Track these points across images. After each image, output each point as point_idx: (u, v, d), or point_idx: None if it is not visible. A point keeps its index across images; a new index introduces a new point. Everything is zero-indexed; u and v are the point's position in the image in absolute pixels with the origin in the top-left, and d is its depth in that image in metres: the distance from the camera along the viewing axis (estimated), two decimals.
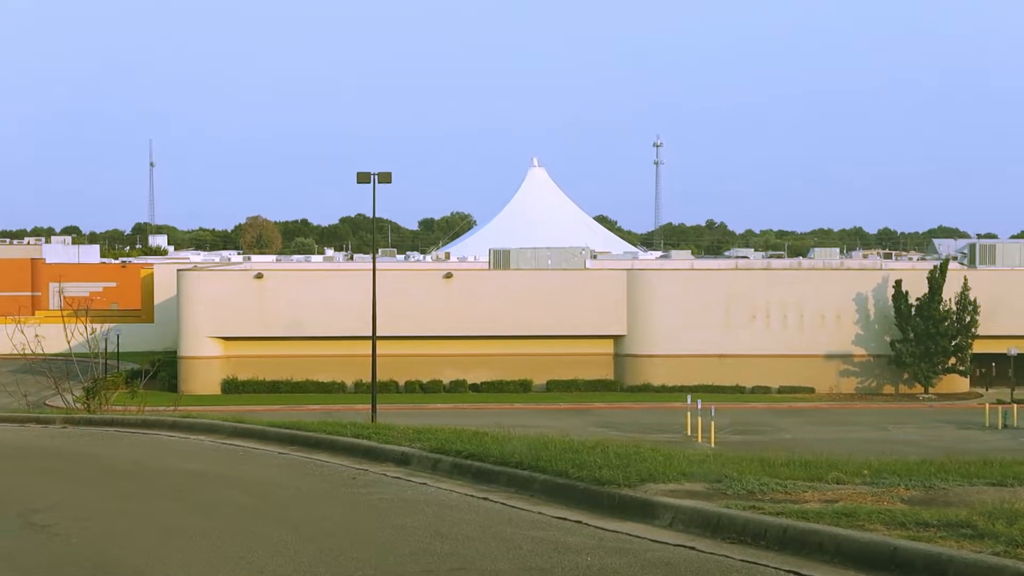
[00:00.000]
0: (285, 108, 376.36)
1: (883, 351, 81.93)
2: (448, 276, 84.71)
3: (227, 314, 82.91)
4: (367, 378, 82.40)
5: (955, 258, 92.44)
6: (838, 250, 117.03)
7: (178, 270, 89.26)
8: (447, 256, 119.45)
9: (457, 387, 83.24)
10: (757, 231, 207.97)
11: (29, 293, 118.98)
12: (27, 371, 48.79)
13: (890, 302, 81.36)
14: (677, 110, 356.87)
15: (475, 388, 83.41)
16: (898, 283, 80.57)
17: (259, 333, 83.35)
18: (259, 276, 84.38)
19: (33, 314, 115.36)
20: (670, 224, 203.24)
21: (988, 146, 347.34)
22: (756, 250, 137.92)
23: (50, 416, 27.33)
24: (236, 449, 20.59)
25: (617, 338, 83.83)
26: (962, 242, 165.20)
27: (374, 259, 63.93)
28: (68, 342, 35.72)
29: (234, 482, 16.56)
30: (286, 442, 20.67)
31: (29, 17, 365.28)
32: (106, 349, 37.85)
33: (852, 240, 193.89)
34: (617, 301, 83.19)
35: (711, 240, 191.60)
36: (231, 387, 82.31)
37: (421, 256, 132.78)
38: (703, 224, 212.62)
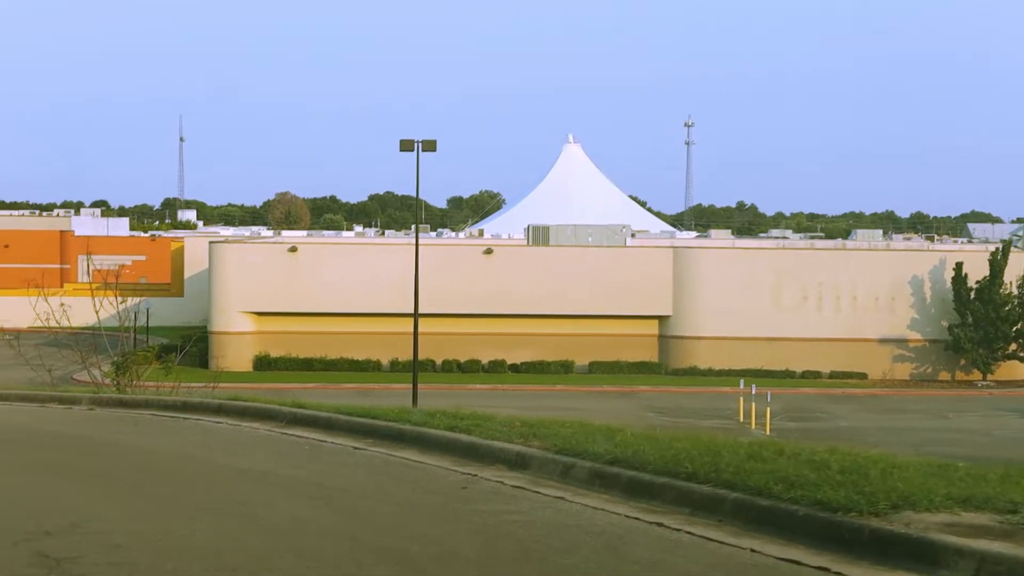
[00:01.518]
0: (315, 84, 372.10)
1: (939, 336, 77.49)
2: (488, 252, 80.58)
3: (260, 288, 78.98)
4: (403, 356, 78.56)
5: (1010, 242, 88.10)
6: (880, 232, 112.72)
7: (210, 242, 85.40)
8: (480, 233, 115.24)
9: (496, 367, 79.21)
10: (788, 213, 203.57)
11: (58, 265, 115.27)
12: (52, 344, 45.39)
13: (948, 285, 76.89)
14: (707, 89, 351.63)
15: (514, 368, 79.35)
16: (959, 265, 76.09)
17: (292, 308, 79.43)
18: (293, 249, 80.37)
19: (62, 286, 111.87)
20: (700, 205, 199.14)
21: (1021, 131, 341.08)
22: (793, 232, 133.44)
23: (75, 395, 23.30)
24: (299, 441, 16.55)
25: (662, 319, 79.62)
26: (999, 227, 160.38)
27: (416, 231, 60.01)
28: (96, 313, 31.83)
29: (310, 490, 12.52)
30: (360, 433, 16.61)
31: None
32: (135, 322, 34.18)
33: (884, 223, 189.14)
34: (663, 280, 78.93)
35: (741, 222, 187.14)
36: (263, 364, 78.40)
37: (452, 233, 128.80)
38: (733, 206, 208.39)
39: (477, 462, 14.16)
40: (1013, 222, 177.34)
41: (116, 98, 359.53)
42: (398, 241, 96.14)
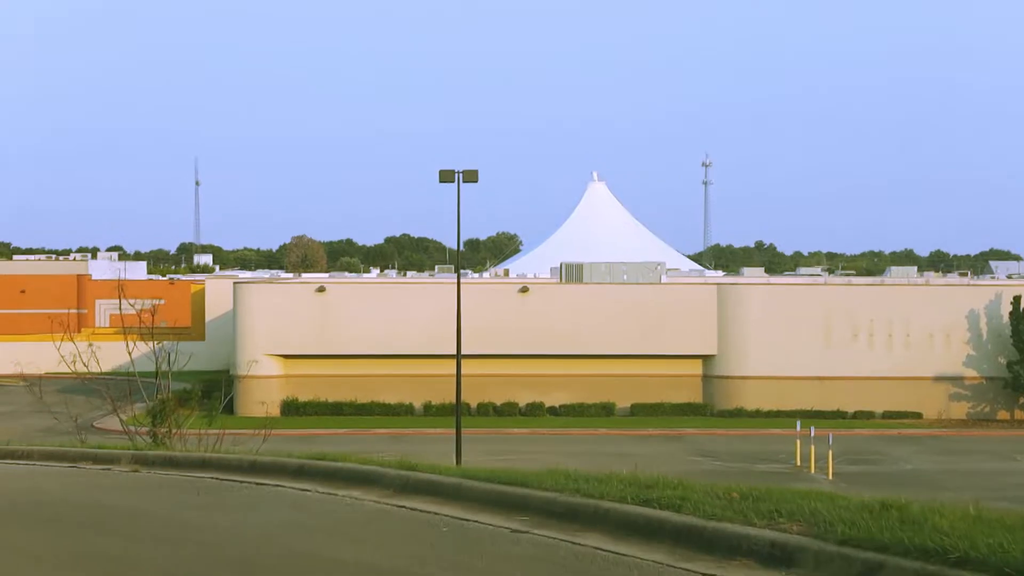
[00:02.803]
0: (332, 126, 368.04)
1: (997, 373, 72.84)
2: (524, 291, 76.13)
3: (287, 330, 74.63)
4: (437, 399, 74.31)
5: None
6: (916, 268, 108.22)
7: (235, 283, 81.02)
8: (506, 273, 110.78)
9: (534, 410, 74.68)
10: (806, 253, 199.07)
11: (75, 310, 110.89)
12: (71, 390, 41.52)
13: (1005, 320, 72.34)
14: (724, 129, 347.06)
15: (553, 411, 74.84)
16: (1016, 299, 71.54)
17: (321, 351, 74.99)
18: (321, 290, 75.98)
19: (79, 331, 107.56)
20: (717, 245, 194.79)
21: None
22: (823, 270, 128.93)
23: (112, 452, 18.80)
24: (429, 519, 12.10)
25: (706, 358, 75.05)
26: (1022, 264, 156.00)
27: (458, 267, 55.58)
28: (130, 355, 27.84)
29: None
30: (505, 507, 12.18)
31: (71, 30, 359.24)
32: (170, 365, 30.40)
33: (904, 262, 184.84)
34: (707, 318, 74.42)
35: (760, 261, 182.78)
36: (291, 408, 73.84)
37: (475, 275, 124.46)
38: (751, 245, 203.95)
39: (707, 554, 9.74)
40: None
41: (131, 142, 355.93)
42: (429, 280, 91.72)
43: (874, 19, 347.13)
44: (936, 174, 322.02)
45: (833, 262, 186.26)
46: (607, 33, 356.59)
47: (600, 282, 78.91)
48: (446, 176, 54.56)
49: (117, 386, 31.72)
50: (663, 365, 74.49)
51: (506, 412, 74.53)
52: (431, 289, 78.02)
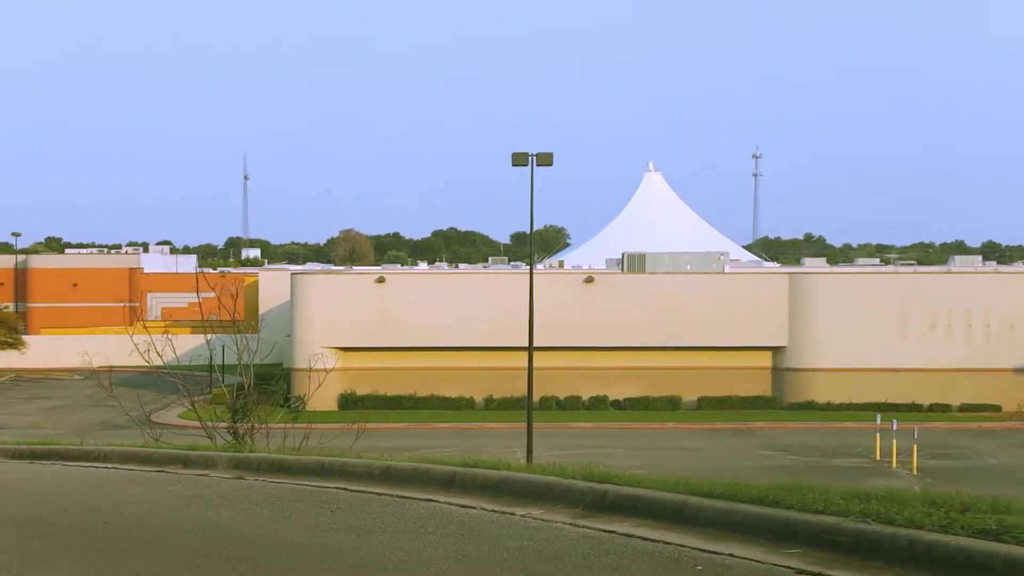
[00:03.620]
0: (378, 123, 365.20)
1: None
2: (590, 280, 73.03)
3: (345, 322, 71.78)
4: (498, 393, 71.48)
5: None
6: (980, 258, 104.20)
7: (292, 274, 78.31)
8: (560, 265, 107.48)
9: (597, 403, 71.57)
10: (855, 245, 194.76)
11: (127, 304, 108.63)
12: (128, 383, 39.37)
13: None
14: (772, 119, 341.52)
15: (617, 405, 71.67)
16: None
17: (379, 343, 72.11)
18: (381, 280, 73.09)
19: (132, 324, 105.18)
20: (766, 237, 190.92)
21: None
22: (881, 261, 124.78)
23: (206, 455, 15.74)
24: (664, 551, 8.98)
25: (776, 350, 71.67)
26: None
27: (531, 255, 52.54)
28: (207, 342, 25.52)
29: None
30: (757, 532, 9.07)
31: (120, 21, 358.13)
32: (252, 357, 28.02)
33: (956, 252, 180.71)
34: (777, 309, 71.03)
35: (809, 254, 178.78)
36: (349, 402, 70.88)
37: (526, 267, 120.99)
38: (799, 238, 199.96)
39: None
40: None
41: (179, 137, 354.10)
42: (490, 271, 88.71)
43: (915, 4, 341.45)
44: (985, 165, 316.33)
45: (884, 254, 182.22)
46: (647, 24, 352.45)
47: (666, 271, 75.56)
48: (519, 159, 51.49)
49: (183, 380, 29.73)
50: (731, 357, 71.26)
51: (569, 406, 71.55)
52: (492, 279, 75.17)
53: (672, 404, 71.08)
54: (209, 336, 32.97)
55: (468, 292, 72.82)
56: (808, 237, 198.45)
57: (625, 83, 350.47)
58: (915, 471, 52.38)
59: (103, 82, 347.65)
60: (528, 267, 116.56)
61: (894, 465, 54.32)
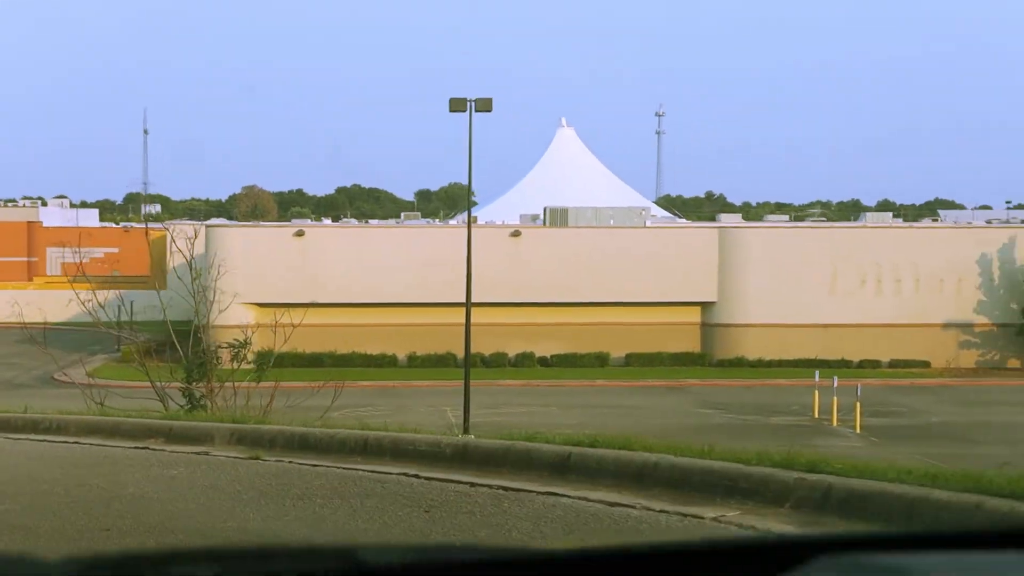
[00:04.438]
0: (279, 72, 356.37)
1: (1009, 319, 67.90)
2: (516, 234, 70.12)
3: (262, 277, 67.90)
4: (420, 350, 68.43)
5: None
6: (891, 215, 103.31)
7: (206, 226, 74.13)
8: (474, 220, 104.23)
9: (524, 360, 68.82)
10: (754, 203, 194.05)
11: (25, 259, 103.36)
12: (24, 341, 35.96)
13: (1017, 264, 67.44)
14: (675, 78, 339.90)
15: (544, 362, 69.01)
16: None
17: (298, 299, 67.78)
18: (300, 234, 69.51)
19: (30, 280, 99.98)
20: (668, 195, 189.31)
21: (977, 117, 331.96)
22: (791, 219, 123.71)
23: (199, 427, 12.37)
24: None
25: (705, 305, 69.48)
26: (964, 213, 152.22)
27: (468, 207, 49.55)
28: (102, 304, 23.39)
29: None
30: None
31: None
32: (205, 318, 25.43)
33: (851, 210, 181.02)
34: (706, 264, 68.75)
35: (711, 212, 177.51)
36: (266, 360, 67.15)
37: (438, 222, 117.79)
38: (702, 196, 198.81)
39: None
40: (975, 209, 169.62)
41: (75, 90, 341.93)
42: (415, 225, 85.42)
43: None
44: (879, 123, 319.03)
45: (783, 212, 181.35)
46: None
47: (589, 226, 72.91)
48: (457, 105, 48.31)
49: (65, 339, 27.21)
50: (660, 313, 68.84)
51: (495, 363, 68.64)
52: (414, 235, 71.95)
53: (600, 360, 68.56)
54: (115, 292, 31.62)
55: (391, 247, 69.56)
56: (709, 195, 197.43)
57: (538, 41, 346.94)
58: (858, 429, 50.70)
59: None
60: (439, 222, 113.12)
61: (835, 423, 52.71)
